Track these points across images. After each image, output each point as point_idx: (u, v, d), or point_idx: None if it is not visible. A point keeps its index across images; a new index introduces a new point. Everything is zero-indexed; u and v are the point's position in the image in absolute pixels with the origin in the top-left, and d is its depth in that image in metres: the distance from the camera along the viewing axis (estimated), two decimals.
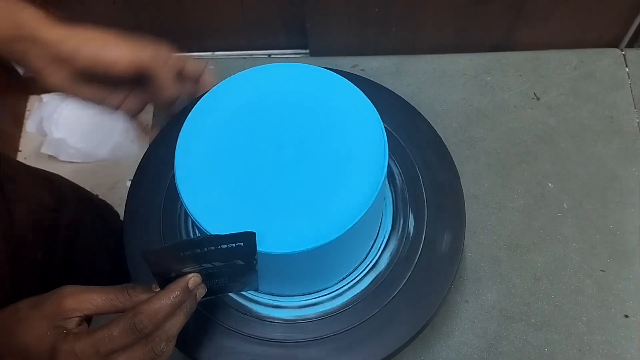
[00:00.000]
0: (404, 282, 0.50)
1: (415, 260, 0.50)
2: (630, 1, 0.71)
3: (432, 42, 0.77)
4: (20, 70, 1.16)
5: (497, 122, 0.67)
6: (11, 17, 0.47)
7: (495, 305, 0.57)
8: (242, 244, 0.39)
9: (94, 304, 0.39)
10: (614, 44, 0.75)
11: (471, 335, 0.56)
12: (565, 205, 0.62)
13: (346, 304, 0.49)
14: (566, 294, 0.57)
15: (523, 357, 0.55)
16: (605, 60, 0.71)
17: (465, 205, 0.53)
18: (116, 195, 1.08)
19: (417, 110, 0.58)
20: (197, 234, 0.48)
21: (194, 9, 0.81)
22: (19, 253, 0.57)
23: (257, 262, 0.41)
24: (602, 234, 0.60)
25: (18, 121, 1.26)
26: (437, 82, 0.69)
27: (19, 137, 1.25)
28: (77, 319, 0.39)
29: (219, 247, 0.38)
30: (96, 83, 0.51)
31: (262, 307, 0.49)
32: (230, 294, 0.50)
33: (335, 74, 0.47)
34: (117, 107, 0.54)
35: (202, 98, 0.47)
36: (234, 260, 0.40)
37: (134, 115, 0.56)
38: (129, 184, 0.56)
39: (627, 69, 0.70)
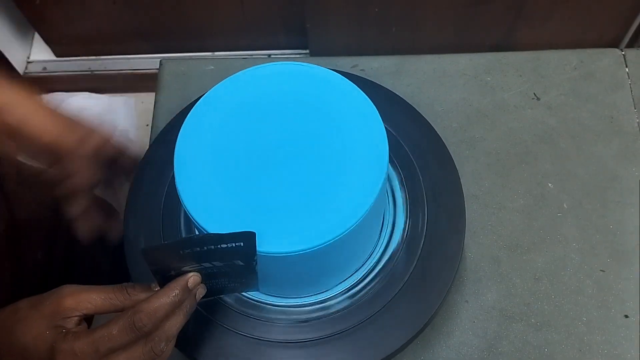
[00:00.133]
0: (404, 282, 0.50)
1: (415, 261, 0.50)
2: (630, 1, 0.71)
3: (432, 42, 0.77)
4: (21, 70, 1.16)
5: (497, 122, 0.67)
6: None
7: (495, 306, 0.57)
8: (241, 243, 0.39)
9: (93, 303, 0.39)
10: (614, 44, 0.75)
11: (471, 335, 0.56)
12: (565, 206, 0.62)
13: (346, 305, 0.49)
14: (566, 294, 0.57)
15: (523, 357, 0.54)
16: (605, 61, 0.70)
17: (465, 205, 0.53)
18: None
19: (417, 111, 0.58)
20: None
21: (194, 9, 0.81)
22: (19, 253, 0.57)
23: (257, 262, 0.41)
24: (602, 234, 0.60)
25: None
26: (437, 82, 0.69)
27: None
28: (76, 318, 0.39)
29: (219, 246, 0.38)
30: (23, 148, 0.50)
31: (262, 307, 0.49)
32: (230, 294, 0.50)
33: (336, 73, 0.47)
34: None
35: (202, 98, 0.47)
36: (234, 260, 0.40)
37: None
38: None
39: (627, 69, 0.70)
